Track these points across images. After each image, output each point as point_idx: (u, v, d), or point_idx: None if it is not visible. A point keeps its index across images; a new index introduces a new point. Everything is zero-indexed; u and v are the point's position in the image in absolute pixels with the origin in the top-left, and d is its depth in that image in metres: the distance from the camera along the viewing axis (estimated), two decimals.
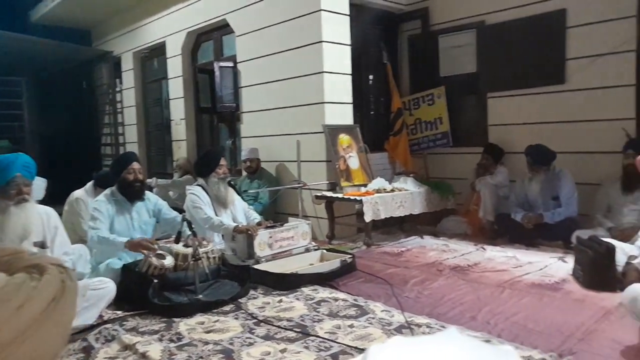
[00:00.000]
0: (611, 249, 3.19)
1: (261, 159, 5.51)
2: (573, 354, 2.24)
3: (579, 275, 3.36)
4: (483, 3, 5.38)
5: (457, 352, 1.20)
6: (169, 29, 7.10)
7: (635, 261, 3.08)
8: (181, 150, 7.10)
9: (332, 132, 5.05)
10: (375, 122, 6.17)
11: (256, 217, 4.18)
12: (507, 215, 4.63)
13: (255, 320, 2.80)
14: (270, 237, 3.74)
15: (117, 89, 8.53)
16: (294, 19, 5.16)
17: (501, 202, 4.88)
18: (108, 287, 2.87)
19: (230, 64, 6.16)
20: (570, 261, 3.68)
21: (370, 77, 6.10)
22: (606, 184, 4.32)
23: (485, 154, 5.15)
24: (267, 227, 3.79)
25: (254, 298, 3.20)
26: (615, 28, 4.48)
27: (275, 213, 5.36)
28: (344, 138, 5.17)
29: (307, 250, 3.97)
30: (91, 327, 2.72)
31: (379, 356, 1.20)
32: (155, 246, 3.31)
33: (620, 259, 3.21)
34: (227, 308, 3.01)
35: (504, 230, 4.70)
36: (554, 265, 3.78)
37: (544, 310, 2.83)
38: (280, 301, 3.12)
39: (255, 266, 3.54)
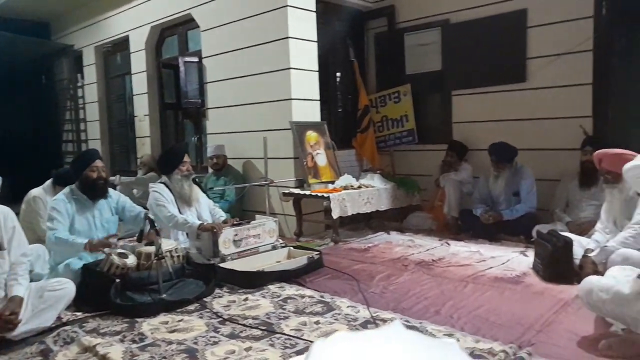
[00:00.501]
0: (569, 243, 3.30)
1: (228, 155, 5.45)
2: (532, 345, 2.30)
3: (539, 268, 3.45)
4: (447, 2, 5.46)
5: (399, 346, 1.21)
6: (132, 23, 6.94)
7: (591, 254, 3.18)
8: (145, 147, 6.95)
9: (300, 128, 5.04)
10: (342, 119, 6.19)
11: (222, 215, 4.13)
12: (471, 211, 4.73)
13: (220, 319, 2.77)
14: (236, 234, 3.70)
15: (79, 84, 8.28)
16: (260, 14, 5.12)
17: (465, 198, 4.98)
18: (67, 288, 2.78)
19: (196, 59, 6.07)
20: (531, 255, 3.79)
21: (338, 74, 6.11)
22: (565, 180, 4.46)
23: (449, 151, 5.24)
24: (233, 225, 3.75)
25: (219, 297, 3.17)
26: (573, 28, 4.62)
27: (242, 210, 5.32)
28: (311, 135, 5.17)
29: (274, 247, 3.95)
30: (49, 330, 2.63)
31: (322, 352, 1.20)
32: (116, 241, 3.23)
33: (578, 252, 3.32)
34: (191, 307, 2.97)
35: (468, 226, 4.80)
36: (516, 260, 3.88)
37: (505, 304, 2.90)
38: (246, 299, 3.09)
39: (221, 264, 3.50)
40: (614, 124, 4.60)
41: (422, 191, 5.47)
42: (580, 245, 3.38)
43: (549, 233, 3.49)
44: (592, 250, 3.21)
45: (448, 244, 4.48)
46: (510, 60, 5.01)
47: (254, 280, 3.34)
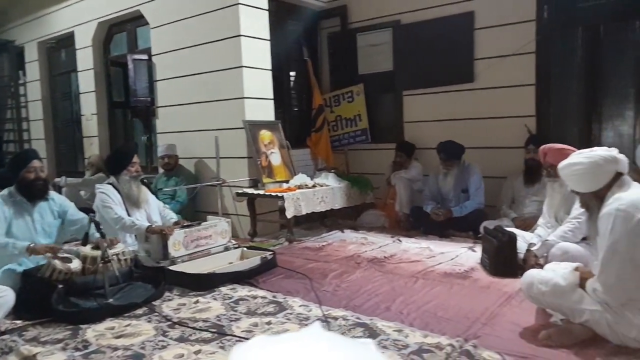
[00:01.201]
0: (513, 238, 3.42)
1: (179, 155, 5.34)
2: (477, 338, 2.37)
3: (485, 263, 3.57)
4: (398, 3, 5.55)
5: (318, 348, 1.22)
6: (78, 19, 6.68)
7: (534, 248, 3.32)
8: (93, 147, 6.71)
9: (253, 128, 5.00)
10: (297, 118, 6.19)
11: (173, 217, 4.05)
12: (421, 208, 4.83)
13: (169, 323, 2.71)
14: (186, 236, 3.63)
15: (21, 82, 7.90)
16: (211, 11, 5.04)
17: (416, 196, 5.09)
18: (5, 296, 2.64)
19: (145, 57, 5.91)
20: (478, 250, 3.90)
21: (292, 73, 6.10)
22: (510, 177, 4.62)
23: (397, 151, 5.34)
24: (183, 227, 3.68)
25: (169, 300, 3.10)
26: (517, 31, 4.79)
27: (194, 211, 5.22)
28: (265, 134, 5.13)
29: (227, 248, 3.90)
30: None
31: (242, 357, 1.20)
32: (60, 247, 3.10)
33: (522, 247, 3.45)
34: (139, 311, 2.90)
35: (419, 223, 4.89)
36: (464, 255, 3.99)
37: (453, 298, 2.97)
38: (197, 302, 3.04)
39: (171, 267, 3.43)
40: (555, 123, 4.81)
41: (375, 189, 5.55)
42: (524, 240, 3.52)
43: (495, 229, 3.60)
44: (535, 245, 3.35)
45: (400, 240, 4.56)
46: (458, 61, 5.15)
47: (205, 283, 3.28)
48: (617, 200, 2.18)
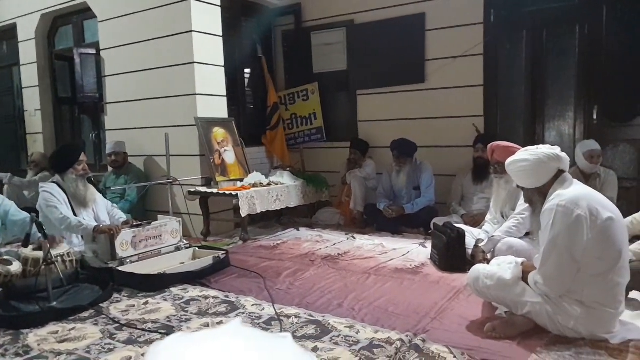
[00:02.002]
0: (462, 234, 3.52)
1: (129, 152, 5.18)
2: (426, 332, 2.43)
3: (435, 259, 3.65)
4: (352, 3, 5.60)
5: (236, 344, 1.23)
6: (19, 10, 6.36)
7: (481, 244, 3.43)
8: (37, 145, 6.42)
9: (206, 125, 4.91)
10: (252, 116, 6.12)
11: (122, 216, 3.94)
12: (375, 205, 4.90)
13: (117, 325, 2.63)
14: (135, 236, 3.53)
15: None
16: (162, 6, 4.91)
17: (370, 193, 5.15)
18: None
19: (93, 51, 5.70)
20: (429, 246, 3.98)
21: (247, 70, 6.04)
22: (460, 175, 4.76)
23: (352, 149, 5.39)
24: (132, 226, 3.58)
25: (118, 302, 3.01)
26: (466, 33, 4.93)
27: (145, 211, 5.10)
28: (218, 132, 5.06)
29: (178, 248, 3.82)
30: None
31: (158, 355, 1.19)
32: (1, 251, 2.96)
33: (470, 243, 3.56)
34: (86, 314, 2.80)
35: (373, 220, 4.96)
36: (415, 251, 4.07)
37: (404, 294, 3.03)
38: (146, 303, 2.97)
39: (120, 268, 3.33)
40: (502, 123, 4.98)
41: (330, 187, 5.58)
42: (472, 236, 3.63)
43: (444, 225, 3.70)
44: (483, 241, 3.46)
45: (354, 237, 4.61)
46: (410, 62, 5.24)
47: (155, 283, 3.21)
48: (558, 196, 2.28)
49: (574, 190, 2.30)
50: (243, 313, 2.76)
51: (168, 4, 4.87)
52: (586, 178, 4.03)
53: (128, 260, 3.44)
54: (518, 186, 2.59)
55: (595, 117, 4.61)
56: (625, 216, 2.81)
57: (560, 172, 2.39)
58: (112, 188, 4.70)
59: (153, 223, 3.72)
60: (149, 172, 5.21)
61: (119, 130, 5.41)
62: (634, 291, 2.69)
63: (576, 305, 2.23)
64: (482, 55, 4.89)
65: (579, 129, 4.69)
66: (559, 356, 2.12)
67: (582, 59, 4.62)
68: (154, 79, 5.06)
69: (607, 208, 2.24)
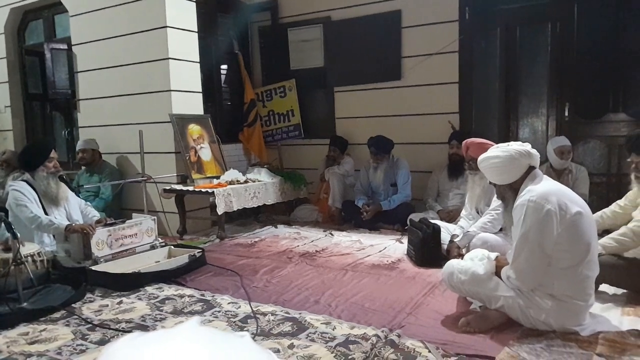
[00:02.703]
0: (437, 230, 3.56)
1: (102, 150, 5.08)
2: (402, 327, 2.44)
3: (411, 254, 3.68)
4: None
5: (192, 344, 1.22)
6: None
7: (456, 240, 3.47)
8: (7, 142, 6.25)
9: (181, 122, 4.85)
10: (229, 112, 6.08)
11: (95, 215, 3.86)
12: (353, 201, 4.92)
13: (89, 325, 2.59)
14: (110, 235, 3.47)
15: None
16: (135, 1, 4.83)
17: (348, 190, 5.17)
18: None
19: (64, 47, 5.58)
20: (405, 242, 4.02)
21: (224, 67, 5.99)
22: (435, 171, 4.81)
23: (331, 145, 5.40)
24: (106, 225, 3.52)
25: (91, 302, 2.96)
26: (441, 31, 4.98)
27: (120, 209, 5.01)
28: (194, 128, 5.00)
29: (153, 247, 3.77)
30: None
31: (112, 355, 1.17)
32: None
33: (446, 238, 3.59)
34: (57, 315, 2.74)
35: (350, 216, 4.98)
36: (392, 247, 4.10)
37: (380, 289, 3.05)
38: (120, 302, 2.92)
39: (93, 267, 3.27)
40: (476, 119, 5.05)
41: (308, 184, 5.57)
42: (447, 231, 3.67)
43: (420, 221, 3.73)
44: (458, 236, 3.50)
45: (331, 234, 4.62)
46: (387, 59, 5.27)
47: (130, 282, 3.16)
48: (529, 192, 2.32)
49: (544, 186, 2.34)
50: (219, 311, 2.74)
51: None
52: (558, 174, 4.11)
53: (102, 260, 3.38)
54: (490, 182, 2.63)
55: (567, 114, 4.71)
56: (595, 211, 2.89)
57: (531, 168, 2.43)
58: (85, 186, 4.61)
59: (127, 221, 3.66)
60: (124, 170, 5.12)
61: (92, 128, 5.31)
62: (603, 284, 2.77)
63: (547, 298, 2.27)
64: (457, 53, 4.94)
65: (552, 125, 4.78)
66: (530, 349, 2.16)
67: (553, 57, 4.71)
68: (128, 75, 4.97)
69: (576, 203, 2.29)
